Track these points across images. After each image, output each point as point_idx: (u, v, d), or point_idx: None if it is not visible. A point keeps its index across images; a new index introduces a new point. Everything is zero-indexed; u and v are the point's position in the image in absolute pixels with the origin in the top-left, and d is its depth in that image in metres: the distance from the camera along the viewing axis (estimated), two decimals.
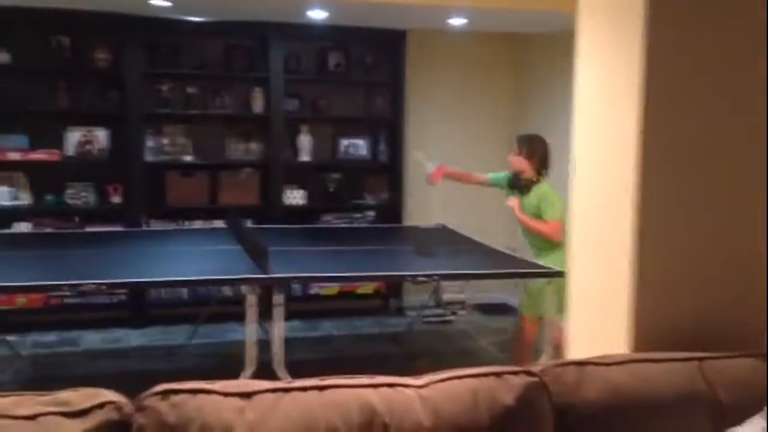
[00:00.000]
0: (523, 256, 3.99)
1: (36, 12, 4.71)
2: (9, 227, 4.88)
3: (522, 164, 3.99)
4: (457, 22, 4.93)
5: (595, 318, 1.92)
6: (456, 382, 1.42)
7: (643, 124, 1.74)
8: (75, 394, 1.34)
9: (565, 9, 4.17)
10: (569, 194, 2.02)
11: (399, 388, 1.41)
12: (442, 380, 1.44)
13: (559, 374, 1.51)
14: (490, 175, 4.34)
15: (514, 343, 4.24)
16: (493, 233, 5.30)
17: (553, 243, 3.77)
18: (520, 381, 1.44)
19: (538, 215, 3.87)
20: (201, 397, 1.37)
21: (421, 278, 3.57)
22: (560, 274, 3.41)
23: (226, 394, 1.38)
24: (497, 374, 1.44)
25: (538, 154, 3.99)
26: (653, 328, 1.77)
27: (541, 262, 3.75)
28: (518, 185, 4.03)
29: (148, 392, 1.37)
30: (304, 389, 1.40)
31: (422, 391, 1.41)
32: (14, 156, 4.89)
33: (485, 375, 1.44)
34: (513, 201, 3.99)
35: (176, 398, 1.36)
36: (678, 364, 1.58)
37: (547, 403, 1.46)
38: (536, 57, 5.78)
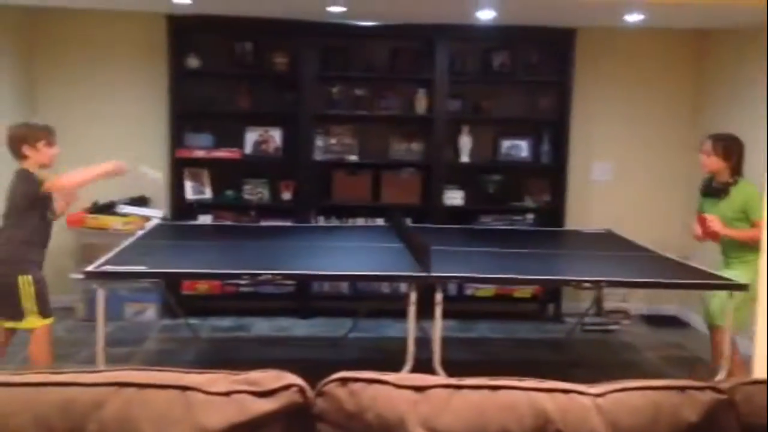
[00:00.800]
0: (699, 264, 3.73)
1: (222, 20, 5.11)
2: (195, 219, 5.32)
3: (717, 165, 3.73)
4: (634, 18, 4.71)
5: None
6: (635, 393, 1.37)
7: None
8: (264, 375, 1.44)
9: (753, 2, 3.87)
10: (763, 200, 1.87)
11: (574, 395, 1.38)
12: (620, 390, 1.38)
13: (749, 393, 1.41)
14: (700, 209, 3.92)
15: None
16: (663, 240, 5.02)
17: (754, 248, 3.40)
18: (706, 397, 1.35)
19: (739, 219, 3.60)
20: (376, 387, 1.42)
21: (585, 284, 3.45)
22: (741, 287, 3.17)
23: (400, 386, 1.42)
24: (681, 388, 1.37)
25: (735, 154, 3.72)
26: None
27: (735, 271, 3.50)
28: (713, 190, 3.75)
29: (328, 379, 1.44)
30: (476, 387, 1.41)
31: (599, 400, 1.37)
32: (200, 153, 5.33)
33: (668, 388, 1.37)
34: (713, 222, 3.62)
35: (354, 386, 1.41)
36: None
37: (735, 424, 1.37)
38: (718, 55, 5.38)
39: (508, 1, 4.32)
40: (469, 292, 5.50)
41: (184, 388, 1.37)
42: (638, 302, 5.50)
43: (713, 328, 3.68)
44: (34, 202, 3.43)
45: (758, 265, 3.06)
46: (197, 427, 1.31)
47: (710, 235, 3.73)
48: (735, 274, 3.46)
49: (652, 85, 5.66)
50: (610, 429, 1.31)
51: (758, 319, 1.87)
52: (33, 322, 3.46)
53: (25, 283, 3.41)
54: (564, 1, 4.21)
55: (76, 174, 3.53)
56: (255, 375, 1.45)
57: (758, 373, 1.83)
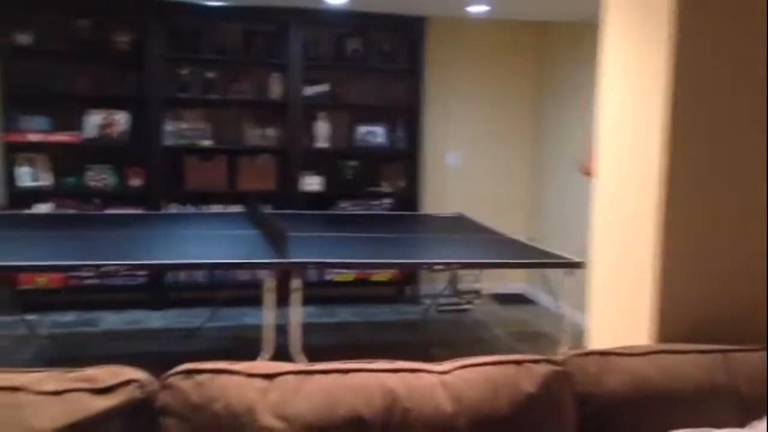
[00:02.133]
0: (544, 246, 3.97)
1: None
2: (30, 208, 4.93)
3: None
4: (478, 9, 4.89)
5: (618, 308, 1.91)
6: (478, 368, 1.42)
7: (669, 113, 1.72)
8: (100, 371, 1.35)
9: None
10: (595, 178, 2.01)
11: (420, 374, 1.41)
12: (464, 367, 1.43)
13: (582, 364, 1.51)
14: None
15: None
16: (512, 223, 5.31)
17: None
18: (542, 369, 1.43)
19: None
20: (224, 377, 1.38)
21: (437, 266, 3.56)
22: (579, 265, 3.40)
23: (249, 375, 1.39)
24: (519, 362, 1.44)
25: None
26: (677, 320, 1.75)
27: None
28: None
29: (172, 371, 1.38)
30: (326, 372, 1.41)
31: (444, 377, 1.41)
32: (36, 137, 4.94)
33: (507, 363, 1.43)
34: None
35: (200, 377, 1.37)
36: (701, 356, 1.57)
37: (569, 393, 1.46)
38: (558, 46, 5.73)
39: None
40: (329, 277, 5.52)
41: (11, 389, 1.26)
42: (489, 282, 5.78)
43: None
44: None
45: None
46: (27, 429, 1.21)
47: None
48: None
49: (498, 75, 5.93)
50: (454, 404, 1.35)
51: (592, 292, 2.01)
52: None
53: None
54: None
55: None
56: (91, 372, 1.36)
57: (592, 344, 1.96)
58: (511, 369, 1.42)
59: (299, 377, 1.40)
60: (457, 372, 1.42)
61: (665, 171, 1.73)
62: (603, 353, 1.53)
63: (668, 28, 1.71)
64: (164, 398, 1.34)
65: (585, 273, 3.50)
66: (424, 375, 1.41)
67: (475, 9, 4.88)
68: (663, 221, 1.74)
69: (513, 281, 5.99)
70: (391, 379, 1.40)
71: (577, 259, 3.42)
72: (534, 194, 5.99)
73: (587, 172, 4.02)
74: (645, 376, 1.50)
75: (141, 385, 1.33)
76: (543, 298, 5.57)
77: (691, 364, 1.55)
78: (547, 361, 1.45)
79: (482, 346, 4.63)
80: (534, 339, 4.64)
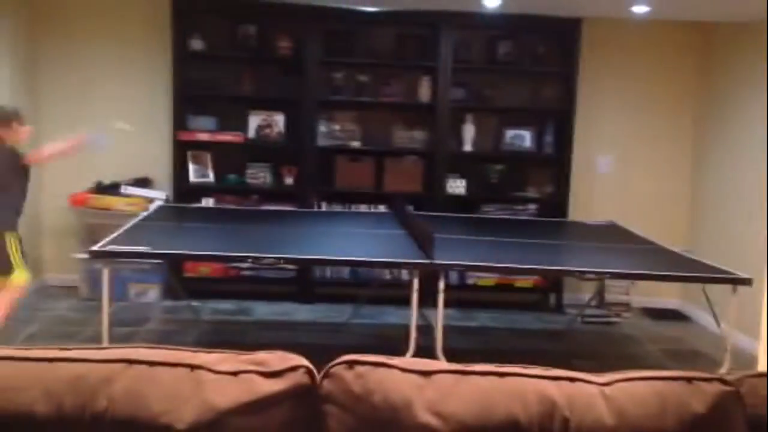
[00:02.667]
0: (702, 258, 3.73)
1: (226, 2, 5.08)
2: (198, 201, 5.32)
3: None
4: (640, 9, 4.69)
5: None
6: (642, 383, 1.37)
7: None
8: (271, 356, 1.44)
9: None
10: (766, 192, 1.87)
11: (580, 384, 1.38)
12: (627, 380, 1.38)
13: (755, 385, 1.41)
14: None
15: None
16: (668, 233, 5.03)
17: None
18: (713, 389, 1.35)
19: None
20: (382, 370, 1.41)
21: (588, 274, 3.46)
22: (745, 281, 3.16)
23: (406, 371, 1.42)
24: (688, 379, 1.36)
25: None
26: None
27: None
28: None
29: (335, 361, 1.44)
30: (482, 374, 1.41)
31: (605, 389, 1.36)
32: (203, 137, 5.32)
33: (675, 379, 1.37)
34: None
35: (360, 369, 1.41)
36: None
37: (741, 415, 1.37)
38: (724, 48, 5.36)
39: None
40: (470, 281, 5.51)
41: (193, 367, 1.37)
42: (640, 295, 5.51)
43: None
44: (17, 172, 3.91)
45: None
46: (206, 405, 1.31)
47: None
48: None
49: (656, 78, 5.64)
50: (616, 417, 1.31)
51: (764, 312, 1.87)
52: (20, 276, 3.86)
53: (13, 239, 3.84)
54: None
55: (48, 147, 4.08)
56: (262, 355, 1.45)
57: (762, 366, 1.83)
58: (679, 386, 1.35)
59: (455, 377, 1.41)
60: (619, 384, 1.37)
61: None
62: None
63: None
64: (328, 386, 1.40)
65: (752, 291, 3.25)
66: (584, 385, 1.38)
67: (636, 9, 4.67)
68: None
69: (666, 295, 5.67)
70: (549, 387, 1.37)
71: (743, 275, 3.18)
72: (693, 203, 5.64)
73: None
74: None
75: (308, 371, 1.40)
76: (700, 315, 5.22)
77: None
78: (719, 381, 1.37)
79: (631, 362, 4.41)
80: (689, 359, 4.36)
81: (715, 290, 3.56)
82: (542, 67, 5.56)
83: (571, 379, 1.40)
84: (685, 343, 4.79)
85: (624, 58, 5.62)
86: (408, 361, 1.47)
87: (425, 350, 3.27)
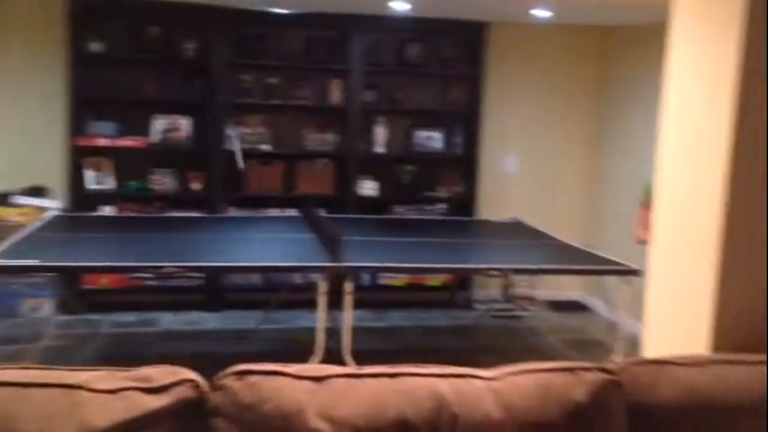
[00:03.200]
0: (603, 253, 3.88)
1: (129, 3, 4.91)
2: (95, 210, 5.10)
3: None
4: (542, 14, 4.84)
5: (675, 317, 1.85)
6: (528, 375, 1.40)
7: (735, 120, 1.67)
8: (155, 371, 1.39)
9: (654, 0, 4.05)
10: (655, 184, 1.96)
11: (469, 380, 1.41)
12: (513, 373, 1.42)
13: (635, 372, 1.47)
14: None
15: None
16: (569, 229, 5.20)
17: None
18: (594, 377, 1.40)
19: None
20: (275, 378, 1.40)
21: (492, 271, 3.53)
22: (636, 272, 3.31)
23: (299, 377, 1.40)
24: (571, 369, 1.41)
25: None
26: (735, 329, 1.69)
27: None
28: None
29: (224, 372, 1.41)
30: (375, 376, 1.41)
31: (493, 383, 1.39)
32: (103, 142, 5.11)
33: (558, 370, 1.41)
34: None
35: (252, 379, 1.39)
36: (759, 368, 1.51)
37: (621, 402, 1.42)
38: (622, 50, 5.61)
39: None
40: (382, 281, 5.53)
41: (69, 387, 1.31)
42: (545, 289, 5.68)
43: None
44: None
45: None
46: (82, 425, 1.26)
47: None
48: None
49: (559, 80, 5.84)
50: (503, 410, 1.34)
51: (649, 300, 1.96)
52: None
53: None
54: None
55: None
56: (146, 371, 1.40)
57: (648, 353, 1.91)
58: (562, 376, 1.39)
59: (348, 380, 1.41)
60: (506, 378, 1.40)
61: (729, 177, 1.68)
62: (657, 362, 1.49)
63: (738, 35, 1.65)
64: (216, 399, 1.36)
65: (643, 281, 3.41)
66: (474, 380, 1.40)
67: (538, 13, 4.82)
68: (722, 230, 1.68)
69: (569, 288, 5.88)
70: (440, 384, 1.39)
71: (634, 267, 3.33)
72: (592, 201, 5.87)
73: (641, 241, 3.65)
74: (701, 386, 1.46)
75: (194, 385, 1.36)
76: (599, 306, 5.45)
77: (751, 376, 1.49)
78: (600, 370, 1.42)
79: (535, 353, 4.55)
80: (588, 347, 4.54)
81: (615, 281, 3.70)
82: (451, 69, 5.65)
83: (461, 376, 1.42)
84: (586, 332, 4.98)
85: (528, 61, 5.78)
86: (302, 367, 1.45)
87: (335, 353, 3.26)
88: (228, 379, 1.40)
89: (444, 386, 1.39)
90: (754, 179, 1.69)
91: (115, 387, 1.31)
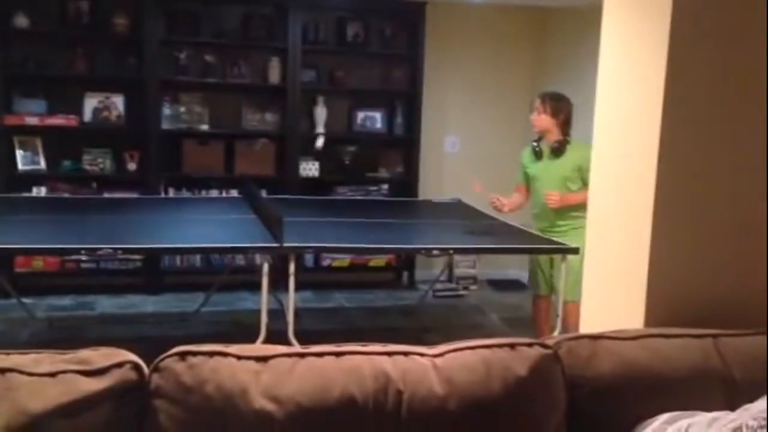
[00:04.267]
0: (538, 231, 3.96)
1: None
2: (28, 191, 4.92)
3: (546, 123, 3.68)
4: None
5: (611, 294, 1.92)
6: (470, 352, 1.43)
7: (665, 101, 1.73)
8: (94, 353, 1.36)
9: None
10: (592, 163, 2.01)
11: (414, 357, 1.42)
12: (456, 350, 1.44)
13: (572, 347, 1.52)
14: (520, 177, 3.96)
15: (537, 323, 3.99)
16: None
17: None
18: (533, 352, 1.44)
19: (573, 180, 3.62)
20: (217, 359, 1.38)
21: (435, 251, 3.57)
22: (575, 251, 3.40)
23: (242, 357, 1.39)
24: (511, 345, 1.44)
25: (564, 112, 3.69)
26: (668, 304, 1.76)
27: (567, 238, 3.58)
28: (552, 150, 3.67)
29: (165, 354, 1.39)
30: (319, 355, 1.41)
31: (436, 360, 1.41)
32: (32, 120, 4.92)
33: (499, 346, 1.44)
34: (554, 197, 3.61)
35: (193, 360, 1.37)
36: (692, 340, 1.58)
37: (560, 376, 1.46)
38: (558, 31, 5.71)
39: None
40: (325, 263, 5.53)
41: (4, 371, 1.27)
42: (486, 268, 5.78)
43: (566, 303, 3.53)
44: None
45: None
46: (19, 409, 1.22)
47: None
48: (568, 241, 3.57)
49: (496, 60, 5.90)
50: (446, 386, 1.36)
51: (586, 277, 2.02)
52: None
53: None
54: None
55: None
56: (85, 353, 1.37)
57: (584, 328, 1.97)
58: (503, 352, 1.42)
59: (292, 359, 1.40)
60: (449, 355, 1.43)
61: (661, 156, 1.74)
62: (594, 337, 1.54)
63: (667, 17, 1.70)
64: (156, 380, 1.34)
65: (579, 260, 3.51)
66: (417, 358, 1.42)
67: None
68: (654, 207, 1.74)
69: (509, 267, 5.99)
70: (385, 362, 1.40)
71: (571, 245, 3.42)
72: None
73: (500, 209, 3.90)
74: (636, 359, 1.51)
75: (135, 366, 1.33)
76: None
77: (683, 348, 1.56)
78: (539, 345, 1.46)
79: (477, 331, 4.64)
80: (529, 325, 4.63)
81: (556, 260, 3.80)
82: (390, 49, 5.65)
83: (405, 354, 1.43)
84: (526, 310, 5.07)
85: (466, 42, 5.82)
86: (245, 347, 1.44)
87: (279, 335, 3.24)
88: (169, 360, 1.37)
89: (388, 364, 1.40)
90: (684, 159, 1.76)
91: (53, 370, 1.28)
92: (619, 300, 1.86)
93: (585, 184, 3.50)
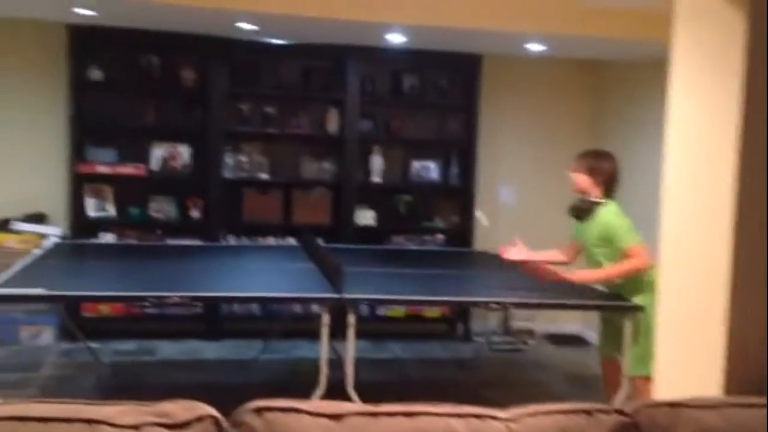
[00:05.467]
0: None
1: (128, 32, 4.95)
2: (96, 237, 5.09)
3: (584, 182, 3.44)
4: (535, 48, 4.92)
5: (686, 357, 1.87)
6: (545, 417, 1.41)
7: (740, 159, 1.71)
8: (175, 406, 1.39)
9: (650, 38, 4.13)
10: (661, 226, 1.98)
11: (487, 420, 1.41)
12: (531, 414, 1.43)
13: (652, 415, 1.48)
14: (574, 235, 3.66)
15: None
16: None
17: (640, 281, 3.22)
18: (611, 420, 1.41)
19: (599, 247, 3.34)
20: (292, 415, 1.40)
21: (493, 305, 3.54)
22: (639, 308, 3.31)
23: (316, 415, 1.41)
24: (588, 411, 1.42)
25: (605, 170, 3.39)
26: (748, 371, 1.71)
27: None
28: (580, 211, 3.43)
29: (242, 408, 1.41)
30: (391, 414, 1.42)
31: (511, 424, 1.40)
32: (103, 169, 5.12)
33: (575, 412, 1.42)
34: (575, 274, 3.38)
35: (269, 415, 1.39)
36: None
37: None
38: (615, 84, 5.70)
39: (417, 26, 4.42)
40: (380, 312, 5.53)
41: (92, 422, 1.30)
42: (543, 321, 5.69)
43: (639, 379, 3.23)
44: None
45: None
46: None
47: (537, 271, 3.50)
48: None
49: (553, 112, 5.91)
50: None
51: (659, 339, 1.98)
52: None
53: None
54: (469, 29, 4.35)
55: None
56: (166, 406, 1.40)
57: (658, 394, 1.92)
58: (579, 419, 1.40)
59: (365, 419, 1.41)
60: (524, 420, 1.41)
61: (735, 217, 1.71)
62: (673, 405, 1.50)
63: (740, 74, 1.70)
64: None
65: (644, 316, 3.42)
66: (491, 421, 1.41)
67: (532, 47, 4.90)
68: (733, 271, 1.71)
69: (568, 321, 5.88)
70: (457, 424, 1.40)
71: (636, 303, 3.34)
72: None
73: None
74: (715, 430, 1.47)
75: (215, 421, 1.36)
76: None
77: (763, 419, 1.51)
78: (617, 412, 1.43)
79: (539, 389, 4.54)
80: (590, 383, 4.52)
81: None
82: (446, 100, 5.72)
83: (479, 416, 1.42)
84: (586, 367, 4.96)
85: (523, 93, 5.86)
86: (317, 404, 1.46)
87: (336, 385, 3.24)
88: (246, 415, 1.40)
89: (461, 426, 1.39)
90: (761, 219, 1.72)
91: (137, 423, 1.31)
92: (695, 365, 1.82)
93: (622, 253, 3.24)
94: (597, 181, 3.41)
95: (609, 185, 3.42)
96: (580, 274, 3.45)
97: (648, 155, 4.81)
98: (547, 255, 3.75)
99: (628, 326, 3.30)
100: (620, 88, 5.60)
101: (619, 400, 3.24)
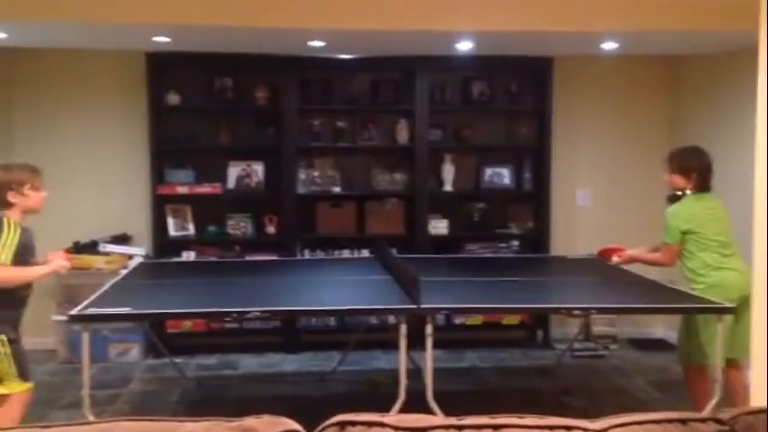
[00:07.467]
0: (683, 287, 3.73)
1: (202, 57, 5.12)
2: (178, 255, 5.27)
3: (679, 182, 3.68)
4: (609, 46, 4.79)
5: None
6: (637, 428, 1.36)
7: None
8: (260, 422, 1.40)
9: (732, 29, 3.96)
10: (754, 221, 1.89)
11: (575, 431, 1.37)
12: (622, 425, 1.37)
13: (750, 423, 1.40)
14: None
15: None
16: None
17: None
18: (708, 429, 1.34)
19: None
20: (376, 429, 1.39)
21: (575, 311, 3.45)
22: (729, 311, 3.17)
23: (400, 429, 1.40)
24: (682, 421, 1.36)
25: (696, 166, 3.63)
26: None
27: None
28: (669, 202, 3.77)
29: (326, 423, 1.41)
30: (477, 427, 1.39)
31: None
32: (182, 190, 5.29)
33: (669, 421, 1.36)
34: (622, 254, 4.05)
35: (353, 430, 1.39)
36: None
37: None
38: (693, 79, 5.49)
39: (485, 33, 4.37)
40: (457, 321, 5.48)
41: None
42: (625, 326, 5.51)
43: (730, 364, 3.35)
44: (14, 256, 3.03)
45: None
46: None
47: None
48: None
49: (629, 111, 5.74)
50: None
51: (755, 345, 1.87)
52: (11, 386, 3.08)
53: None
54: (540, 32, 4.27)
55: (16, 272, 3.08)
56: (251, 422, 1.41)
57: (757, 401, 1.82)
58: (673, 428, 1.34)
59: None
60: (614, 430, 1.36)
61: None
62: None
63: None
64: None
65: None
66: None
67: (605, 46, 4.77)
68: None
69: (651, 326, 5.68)
70: None
71: (727, 305, 3.19)
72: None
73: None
74: None
75: None
76: None
77: None
78: (714, 421, 1.36)
79: (623, 396, 4.38)
80: (677, 389, 4.34)
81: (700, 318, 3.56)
82: (517, 105, 5.64)
83: (567, 428, 1.38)
84: (672, 372, 4.75)
85: (596, 93, 5.71)
86: (401, 418, 1.45)
87: (416, 396, 3.23)
88: (330, 430, 1.40)
89: None
90: None
91: None
92: None
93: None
94: (689, 178, 3.64)
95: (702, 179, 3.64)
96: (629, 252, 4.03)
97: (734, 151, 4.60)
98: (646, 256, 4.06)
99: (720, 328, 3.16)
100: (699, 83, 5.39)
101: (710, 407, 3.11)
